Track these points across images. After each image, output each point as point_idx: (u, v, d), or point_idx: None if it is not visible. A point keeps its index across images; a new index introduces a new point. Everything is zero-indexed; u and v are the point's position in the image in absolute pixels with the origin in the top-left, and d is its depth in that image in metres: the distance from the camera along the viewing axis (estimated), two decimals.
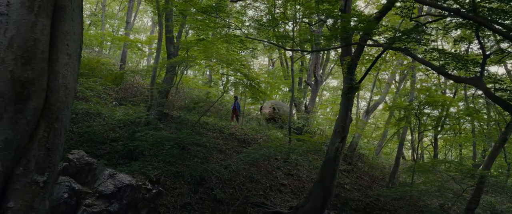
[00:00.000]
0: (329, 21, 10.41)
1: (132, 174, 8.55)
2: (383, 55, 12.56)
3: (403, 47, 5.93)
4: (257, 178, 10.61)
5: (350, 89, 8.19)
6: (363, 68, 12.43)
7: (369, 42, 7.26)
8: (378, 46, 6.67)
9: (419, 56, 7.43)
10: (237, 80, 10.20)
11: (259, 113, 16.58)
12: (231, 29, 9.17)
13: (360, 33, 7.45)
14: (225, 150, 11.19)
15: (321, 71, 14.78)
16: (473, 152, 14.33)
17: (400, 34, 6.77)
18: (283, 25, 12.40)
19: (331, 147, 8.55)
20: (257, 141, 12.53)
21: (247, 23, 9.05)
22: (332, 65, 17.90)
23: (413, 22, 7.13)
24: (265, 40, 9.46)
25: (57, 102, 3.24)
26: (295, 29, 10.93)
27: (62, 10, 3.38)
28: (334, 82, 28.21)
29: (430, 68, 7.01)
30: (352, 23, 8.34)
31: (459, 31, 16.30)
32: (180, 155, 9.86)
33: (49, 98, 3.21)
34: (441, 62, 6.02)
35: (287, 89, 20.06)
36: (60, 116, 3.29)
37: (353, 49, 8.63)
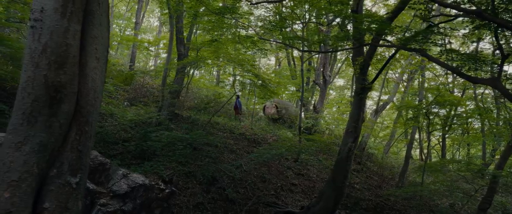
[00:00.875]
0: (337, 21, 10.46)
1: (145, 174, 8.64)
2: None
3: (418, 47, 5.94)
4: (268, 177, 10.67)
5: (362, 90, 8.22)
6: (370, 68, 12.45)
7: (383, 42, 7.27)
8: (393, 47, 6.69)
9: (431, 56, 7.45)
10: (248, 80, 10.23)
11: (262, 113, 16.35)
12: (244, 30, 9.21)
13: (373, 33, 7.46)
14: (236, 150, 11.26)
15: (329, 71, 14.80)
16: (483, 152, 14.30)
17: (413, 34, 6.79)
18: (291, 25, 12.44)
19: (343, 147, 8.58)
20: (267, 140, 12.58)
21: (259, 24, 9.07)
22: (340, 65, 17.90)
23: (426, 22, 7.16)
24: (279, 41, 9.49)
25: (87, 106, 3.32)
26: (304, 29, 10.92)
27: (90, 15, 3.45)
28: (340, 81, 28.19)
29: (446, 69, 6.98)
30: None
31: (467, 30, 16.24)
32: (191, 155, 9.94)
33: (79, 101, 3.28)
34: (456, 63, 6.03)
35: (294, 88, 20.08)
36: (90, 119, 3.36)
37: (364, 50, 8.66)
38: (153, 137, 8.38)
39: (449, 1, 5.35)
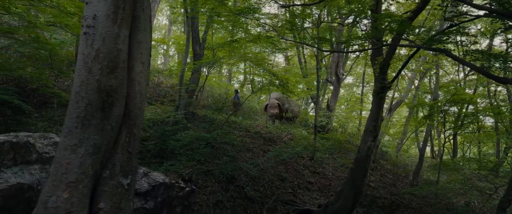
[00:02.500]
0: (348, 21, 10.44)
1: (165, 172, 8.76)
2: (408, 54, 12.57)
3: (442, 47, 5.98)
4: (285, 176, 10.77)
5: (382, 89, 8.27)
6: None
7: (404, 42, 7.32)
8: (416, 47, 6.72)
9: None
10: (265, 79, 10.31)
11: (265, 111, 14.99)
12: (263, 29, 9.28)
13: (394, 33, 7.50)
14: (252, 148, 11.36)
15: (342, 69, 14.83)
16: (497, 149, 14.28)
17: (434, 34, 6.82)
18: (302, 24, 12.49)
19: (362, 146, 8.64)
20: (282, 139, 12.67)
21: (279, 24, 9.14)
22: (352, 63, 17.91)
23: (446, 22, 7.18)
24: (299, 41, 9.55)
25: (135, 109, 3.42)
26: (319, 28, 10.96)
27: (136, 20, 3.55)
28: (349, 79, 28.17)
29: (471, 69, 6.98)
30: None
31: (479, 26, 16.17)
32: (209, 154, 10.06)
33: (128, 105, 3.39)
34: (479, 62, 6.05)
35: (301, 86, 20.10)
36: (137, 121, 3.47)
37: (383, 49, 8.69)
38: (177, 137, 8.50)
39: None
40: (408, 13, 8.06)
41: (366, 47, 8.44)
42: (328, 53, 13.88)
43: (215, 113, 12.54)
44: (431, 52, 11.50)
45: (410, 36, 7.08)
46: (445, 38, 5.83)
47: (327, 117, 13.89)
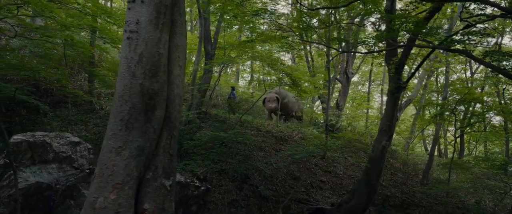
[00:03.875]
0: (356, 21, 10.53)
1: (180, 172, 8.84)
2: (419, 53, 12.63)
3: (462, 49, 6.04)
4: (298, 175, 10.85)
5: (397, 89, 8.34)
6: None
7: (421, 43, 7.37)
8: (437, 48, 6.78)
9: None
10: (276, 78, 10.39)
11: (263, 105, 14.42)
12: (278, 30, 9.35)
13: (410, 33, 7.56)
14: (265, 147, 11.43)
15: (351, 68, 14.90)
16: (506, 148, 14.33)
17: (450, 35, 6.88)
18: (308, 21, 12.52)
19: (377, 145, 8.72)
20: (293, 138, 12.75)
21: (294, 24, 9.21)
22: (360, 62, 17.96)
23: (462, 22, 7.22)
24: (315, 41, 9.62)
25: (174, 111, 3.50)
26: (329, 28, 10.99)
27: (174, 25, 3.62)
28: (354, 77, 28.22)
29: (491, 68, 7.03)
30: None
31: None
32: (223, 153, 10.14)
33: (168, 108, 3.46)
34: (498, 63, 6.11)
35: (307, 84, 20.11)
36: (176, 124, 3.55)
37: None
38: (193, 136, 8.59)
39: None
40: (424, 13, 8.11)
41: (382, 49, 8.50)
42: (340, 53, 13.90)
43: (226, 112, 12.61)
44: (443, 51, 11.54)
45: (428, 37, 7.13)
46: (465, 38, 5.88)
47: (336, 116, 13.96)
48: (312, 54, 19.24)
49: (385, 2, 8.77)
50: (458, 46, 6.34)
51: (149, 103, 3.25)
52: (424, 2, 7.15)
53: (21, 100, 8.85)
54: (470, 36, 5.82)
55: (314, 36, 11.12)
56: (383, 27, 9.52)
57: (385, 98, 24.74)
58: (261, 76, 12.13)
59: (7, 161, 6.64)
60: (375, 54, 13.05)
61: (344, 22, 13.20)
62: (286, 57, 29.72)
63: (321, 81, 16.25)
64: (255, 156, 10.99)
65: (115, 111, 3.22)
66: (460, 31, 6.30)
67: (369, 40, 7.83)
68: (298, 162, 11.36)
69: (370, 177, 8.79)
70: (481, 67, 20.26)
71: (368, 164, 8.76)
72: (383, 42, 8.53)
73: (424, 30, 7.40)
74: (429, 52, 7.69)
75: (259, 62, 11.05)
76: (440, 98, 17.96)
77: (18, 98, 9.03)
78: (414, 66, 12.18)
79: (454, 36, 7.04)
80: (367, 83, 24.42)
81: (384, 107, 22.40)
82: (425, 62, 13.55)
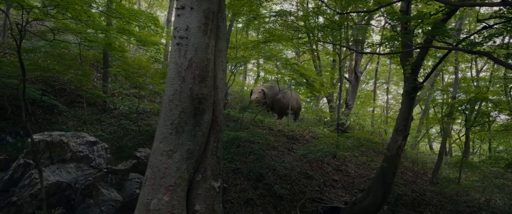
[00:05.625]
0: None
1: None
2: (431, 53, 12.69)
3: (484, 51, 6.13)
4: (311, 174, 10.96)
5: (414, 89, 8.43)
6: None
7: (441, 44, 7.46)
8: (454, 49, 6.88)
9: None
10: (289, 77, 10.49)
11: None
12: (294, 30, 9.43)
13: (429, 36, 7.64)
14: (277, 146, 11.55)
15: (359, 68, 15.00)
16: None
17: (466, 36, 6.97)
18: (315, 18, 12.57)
19: (393, 145, 8.82)
20: (304, 137, 12.86)
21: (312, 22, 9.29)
22: (368, 61, 18.05)
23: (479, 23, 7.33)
24: (332, 42, 9.71)
25: (220, 115, 3.59)
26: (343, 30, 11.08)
27: (218, 30, 3.70)
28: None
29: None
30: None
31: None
32: (238, 152, 10.24)
33: (214, 111, 3.55)
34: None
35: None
36: (222, 127, 3.64)
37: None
38: None
39: None
40: (440, 14, 8.19)
41: (395, 49, 8.59)
42: (359, 53, 13.96)
43: (238, 112, 12.70)
44: (456, 52, 11.65)
45: (446, 38, 7.22)
46: (487, 40, 5.97)
47: (345, 115, 14.07)
48: (319, 52, 19.33)
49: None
50: (478, 48, 6.43)
51: (198, 107, 3.33)
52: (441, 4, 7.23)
53: (37, 100, 8.93)
54: (493, 38, 5.90)
55: (320, 35, 11.20)
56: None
57: (390, 96, 24.89)
58: (276, 76, 12.10)
59: (27, 160, 6.73)
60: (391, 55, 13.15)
61: (354, 21, 13.26)
62: (289, 55, 29.83)
63: (325, 79, 16.33)
64: (269, 155, 11.10)
65: (165, 114, 3.30)
66: (483, 32, 6.39)
67: (386, 42, 7.91)
68: (310, 161, 11.48)
69: (386, 176, 8.89)
70: (486, 66, 20.42)
71: (384, 163, 8.86)
72: (398, 42, 8.61)
73: (442, 32, 7.48)
74: (446, 53, 7.78)
75: (275, 61, 11.11)
76: (444, 97, 18.12)
77: (36, 98, 9.11)
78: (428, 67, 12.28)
79: (470, 38, 7.15)
80: (371, 81, 24.57)
81: (388, 106, 22.48)
82: (433, 61, 13.66)
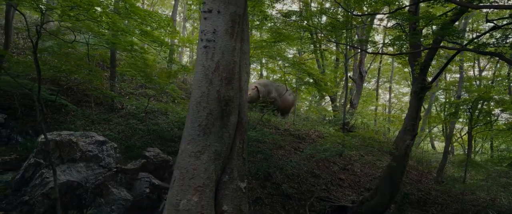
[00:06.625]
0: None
1: None
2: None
3: (494, 51, 6.19)
4: (318, 173, 11.03)
5: (422, 90, 8.50)
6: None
7: (452, 45, 7.52)
8: (463, 50, 6.94)
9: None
10: (295, 77, 10.54)
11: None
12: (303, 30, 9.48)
13: (439, 37, 7.71)
14: (284, 145, 11.60)
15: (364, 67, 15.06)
16: None
17: (475, 37, 7.03)
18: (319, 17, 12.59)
19: (401, 144, 8.90)
20: (310, 136, 12.92)
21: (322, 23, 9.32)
22: (371, 60, 18.11)
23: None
24: (340, 42, 9.76)
25: (245, 116, 3.64)
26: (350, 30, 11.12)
27: (242, 33, 3.74)
28: None
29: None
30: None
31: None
32: (247, 152, 10.29)
33: (239, 113, 3.60)
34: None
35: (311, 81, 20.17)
36: (246, 128, 3.69)
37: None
38: None
39: None
40: (449, 14, 8.24)
41: (401, 50, 8.65)
42: (369, 53, 14.01)
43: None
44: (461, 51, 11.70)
45: (456, 39, 7.28)
46: (499, 42, 6.03)
47: (350, 114, 14.13)
48: (322, 51, 19.38)
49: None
50: (489, 49, 6.50)
51: (225, 109, 3.38)
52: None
53: (45, 99, 8.96)
54: (509, 38, 5.94)
55: (323, 34, 11.23)
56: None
57: (392, 95, 24.97)
58: (283, 76, 12.12)
59: (37, 160, 6.77)
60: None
61: (362, 20, 13.32)
62: (290, 55, 29.87)
63: (328, 79, 16.35)
64: (276, 154, 11.16)
65: (193, 116, 3.35)
66: (493, 33, 6.45)
67: (394, 42, 7.97)
68: (317, 160, 11.55)
69: (394, 175, 8.96)
70: (489, 65, 20.52)
71: (393, 162, 8.93)
72: (407, 42, 8.67)
73: (451, 33, 7.54)
74: (455, 53, 7.85)
75: (278, 61, 11.17)
76: (447, 96, 18.21)
77: (46, 98, 9.14)
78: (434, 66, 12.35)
79: (479, 38, 7.21)
80: (373, 80, 24.63)
81: (390, 105, 22.53)
82: (438, 61, 13.74)
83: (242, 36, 3.71)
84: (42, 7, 4.64)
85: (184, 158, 3.29)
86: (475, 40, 7.31)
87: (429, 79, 8.95)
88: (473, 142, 22.22)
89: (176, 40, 16.58)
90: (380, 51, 10.21)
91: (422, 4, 10.09)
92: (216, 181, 3.35)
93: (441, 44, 8.69)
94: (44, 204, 6.40)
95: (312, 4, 16.31)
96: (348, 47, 11.20)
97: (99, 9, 5.03)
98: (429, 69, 12.87)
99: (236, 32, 3.45)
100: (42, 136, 6.87)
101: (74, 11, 4.50)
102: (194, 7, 24.16)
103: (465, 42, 8.27)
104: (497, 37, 6.14)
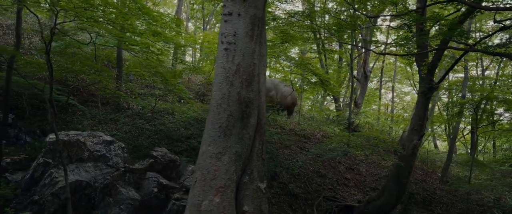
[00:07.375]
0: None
1: None
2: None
3: (503, 51, 6.22)
4: (323, 172, 11.07)
5: (429, 90, 8.53)
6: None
7: (462, 46, 7.55)
8: (472, 50, 6.97)
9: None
10: (307, 78, 10.57)
11: None
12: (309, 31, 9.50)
13: (447, 37, 7.73)
14: (290, 145, 11.64)
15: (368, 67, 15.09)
16: None
17: (483, 37, 7.06)
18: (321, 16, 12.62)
19: (408, 144, 8.92)
20: (315, 136, 12.96)
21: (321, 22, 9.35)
22: (375, 60, 18.14)
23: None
24: (342, 41, 9.79)
25: (263, 118, 3.68)
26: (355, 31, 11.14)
27: (261, 35, 3.78)
28: None
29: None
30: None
31: None
32: None
33: (259, 114, 3.63)
34: None
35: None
36: (265, 129, 3.72)
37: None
38: None
39: None
40: (457, 14, 8.27)
41: (410, 50, 8.68)
42: (378, 54, 14.04)
43: None
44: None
45: (463, 39, 7.30)
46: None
47: (355, 114, 14.17)
48: (326, 51, 19.39)
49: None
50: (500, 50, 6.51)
51: (245, 111, 3.41)
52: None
53: (55, 100, 8.99)
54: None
55: (327, 34, 11.22)
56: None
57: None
58: (289, 76, 12.15)
59: (46, 159, 6.80)
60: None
61: (363, 21, 13.35)
62: (293, 54, 29.87)
63: (332, 79, 16.34)
64: (282, 154, 11.20)
65: (213, 118, 3.38)
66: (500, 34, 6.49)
67: (403, 42, 7.99)
68: (323, 160, 11.59)
69: (401, 175, 8.99)
70: (492, 64, 20.54)
71: (400, 162, 8.96)
72: (413, 43, 8.70)
73: (459, 33, 7.57)
74: (462, 54, 7.88)
75: (282, 61, 11.21)
76: (450, 95, 18.24)
77: (55, 98, 9.17)
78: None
79: (504, 42, 7.22)
80: (375, 79, 24.64)
81: (393, 104, 22.56)
82: (445, 61, 13.76)
83: (261, 39, 3.75)
84: (57, 8, 4.67)
85: (205, 159, 3.32)
86: (482, 41, 7.33)
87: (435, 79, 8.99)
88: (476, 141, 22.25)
89: (183, 41, 16.60)
90: (384, 51, 10.23)
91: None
92: (237, 182, 3.39)
93: (448, 44, 8.74)
94: (54, 204, 6.43)
95: (316, 4, 16.33)
96: (352, 46, 11.23)
97: (113, 10, 5.08)
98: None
99: (256, 34, 3.48)
100: (50, 136, 6.89)
101: (89, 12, 4.53)
102: (197, 7, 24.14)
103: (470, 42, 8.29)
104: (507, 37, 6.17)
